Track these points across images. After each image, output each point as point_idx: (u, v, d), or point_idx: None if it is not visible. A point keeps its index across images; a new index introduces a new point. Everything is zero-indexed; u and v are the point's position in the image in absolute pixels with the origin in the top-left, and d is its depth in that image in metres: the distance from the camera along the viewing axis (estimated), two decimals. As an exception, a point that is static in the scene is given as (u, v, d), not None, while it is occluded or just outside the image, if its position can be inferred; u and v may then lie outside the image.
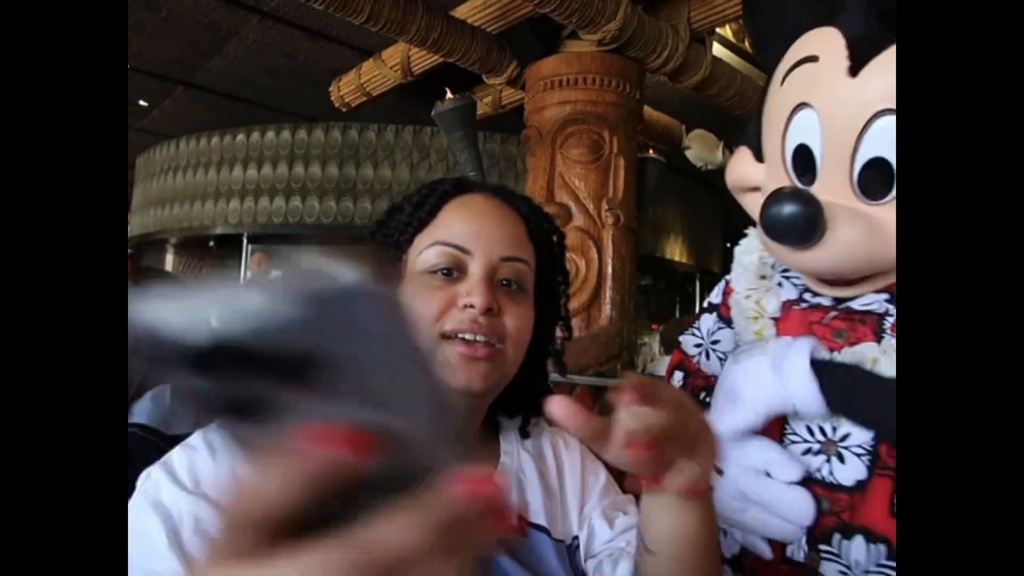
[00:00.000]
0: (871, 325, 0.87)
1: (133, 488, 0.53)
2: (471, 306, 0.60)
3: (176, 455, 0.55)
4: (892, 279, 0.87)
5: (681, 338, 1.14)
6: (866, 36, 0.78)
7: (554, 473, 0.72)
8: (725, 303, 1.07)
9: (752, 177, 0.95)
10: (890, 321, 0.87)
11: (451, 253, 0.63)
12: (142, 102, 5.64)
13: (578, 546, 0.69)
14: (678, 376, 1.11)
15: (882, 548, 0.80)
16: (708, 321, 1.10)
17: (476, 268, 0.63)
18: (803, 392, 0.80)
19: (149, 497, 0.51)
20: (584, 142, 2.80)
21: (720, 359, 1.04)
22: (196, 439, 0.56)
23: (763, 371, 0.83)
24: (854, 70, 0.77)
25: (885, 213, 0.80)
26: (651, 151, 3.64)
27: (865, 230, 0.79)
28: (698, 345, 1.10)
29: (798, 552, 0.85)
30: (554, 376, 0.76)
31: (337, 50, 4.26)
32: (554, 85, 2.92)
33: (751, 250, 1.00)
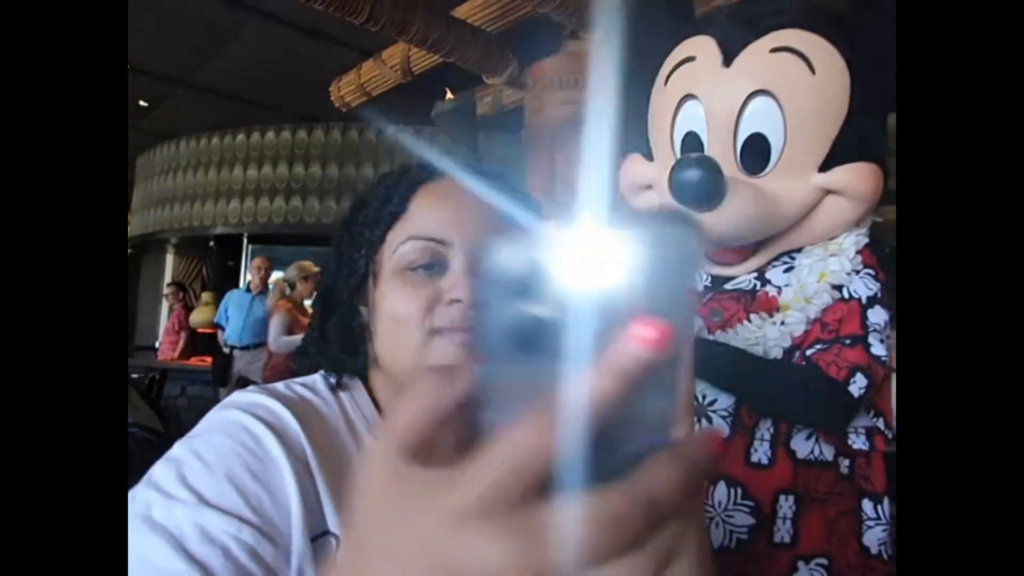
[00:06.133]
0: (743, 303, 0.98)
1: (132, 487, 0.49)
2: (458, 300, 0.57)
3: (159, 470, 0.50)
4: (771, 255, 0.97)
5: None
6: (733, 36, 0.93)
7: None
8: None
9: (645, 175, 1.06)
10: (757, 296, 0.98)
11: (430, 247, 0.59)
12: (142, 102, 5.65)
13: None
14: None
15: (739, 490, 0.94)
16: None
17: (457, 259, 0.59)
18: None
19: (139, 517, 0.46)
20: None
21: None
22: (179, 450, 0.51)
23: None
24: (727, 62, 0.92)
25: (767, 184, 0.92)
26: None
27: (757, 197, 0.90)
28: None
29: None
30: None
31: (337, 50, 4.26)
32: (554, 85, 2.92)
33: None
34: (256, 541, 0.46)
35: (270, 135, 6.25)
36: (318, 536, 0.51)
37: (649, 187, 1.05)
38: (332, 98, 4.29)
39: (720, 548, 0.93)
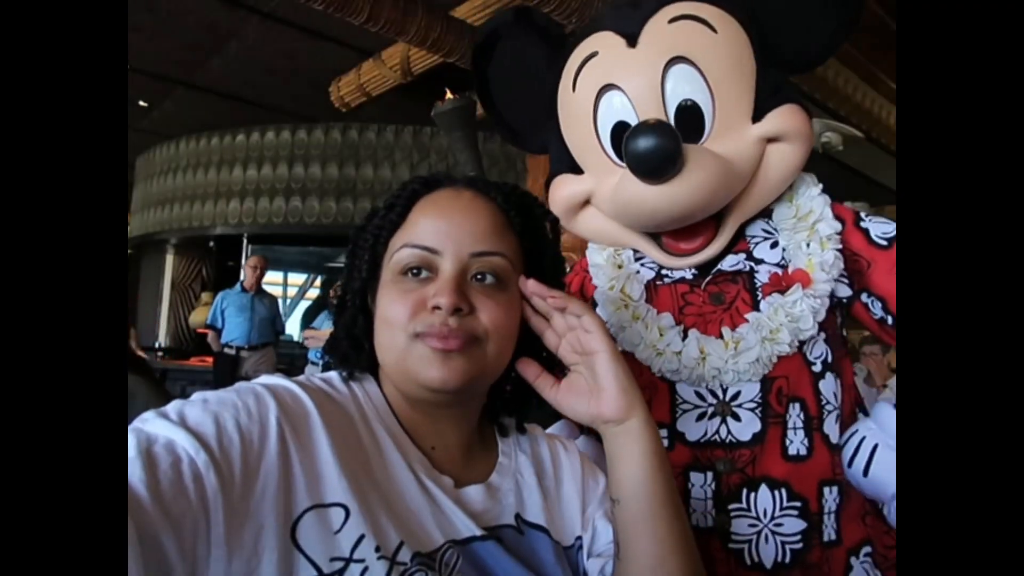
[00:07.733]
0: (742, 283, 0.94)
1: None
2: (438, 307, 0.60)
3: (171, 402, 0.55)
4: (733, 228, 0.93)
5: None
6: (628, 20, 0.92)
7: (551, 476, 0.72)
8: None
9: (580, 191, 0.99)
10: (759, 279, 0.93)
11: (420, 254, 0.62)
12: (142, 102, 5.64)
13: (581, 546, 0.69)
14: None
15: (783, 492, 0.87)
16: None
17: (446, 267, 0.62)
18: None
19: (132, 426, 0.51)
20: (584, 142, 2.80)
21: None
22: (194, 395, 0.56)
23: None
24: (631, 43, 0.91)
25: (711, 147, 0.90)
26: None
27: (715, 156, 0.87)
28: None
29: (706, 520, 0.87)
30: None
31: (337, 50, 4.26)
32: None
33: (599, 250, 1.06)
34: (206, 469, 0.49)
35: (270, 135, 6.25)
36: (312, 508, 0.53)
37: (586, 202, 1.00)
38: (332, 98, 4.29)
39: (775, 566, 0.85)
